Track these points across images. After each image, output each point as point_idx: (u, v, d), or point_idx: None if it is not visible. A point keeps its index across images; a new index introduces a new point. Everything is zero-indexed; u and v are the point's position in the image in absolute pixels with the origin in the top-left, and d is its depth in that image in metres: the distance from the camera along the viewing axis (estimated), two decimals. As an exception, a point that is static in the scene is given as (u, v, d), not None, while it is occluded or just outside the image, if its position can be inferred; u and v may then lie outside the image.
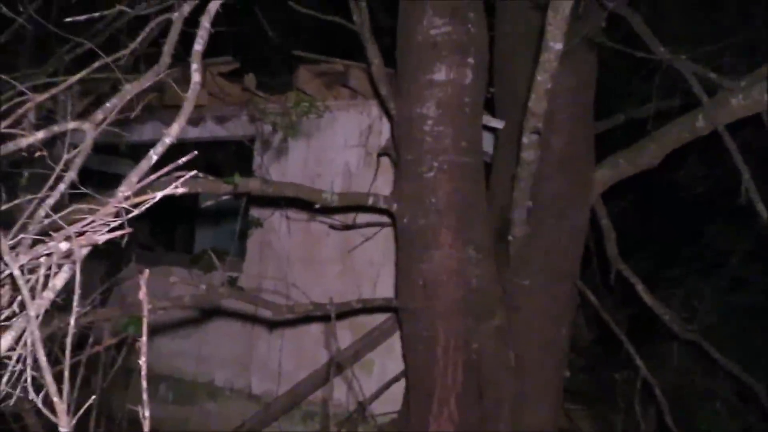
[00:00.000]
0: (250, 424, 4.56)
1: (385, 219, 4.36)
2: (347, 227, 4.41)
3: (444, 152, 3.60)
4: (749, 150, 3.70)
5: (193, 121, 5.48)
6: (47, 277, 1.25)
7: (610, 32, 3.98)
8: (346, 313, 4.18)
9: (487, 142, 4.98)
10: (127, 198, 1.42)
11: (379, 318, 4.53)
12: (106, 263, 5.77)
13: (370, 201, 3.68)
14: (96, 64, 1.92)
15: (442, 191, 3.60)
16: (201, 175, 3.15)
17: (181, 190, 1.42)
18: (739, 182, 3.73)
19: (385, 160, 4.58)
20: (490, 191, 4.26)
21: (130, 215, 1.39)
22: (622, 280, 4.45)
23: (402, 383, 4.23)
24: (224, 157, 6.85)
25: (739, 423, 4.70)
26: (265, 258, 5.09)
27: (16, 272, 1.20)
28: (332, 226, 4.54)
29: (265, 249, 5.12)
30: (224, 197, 3.26)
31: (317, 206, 3.43)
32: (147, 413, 1.27)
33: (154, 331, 5.39)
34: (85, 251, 1.31)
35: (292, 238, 4.99)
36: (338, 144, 4.88)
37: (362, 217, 4.48)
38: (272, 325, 4.92)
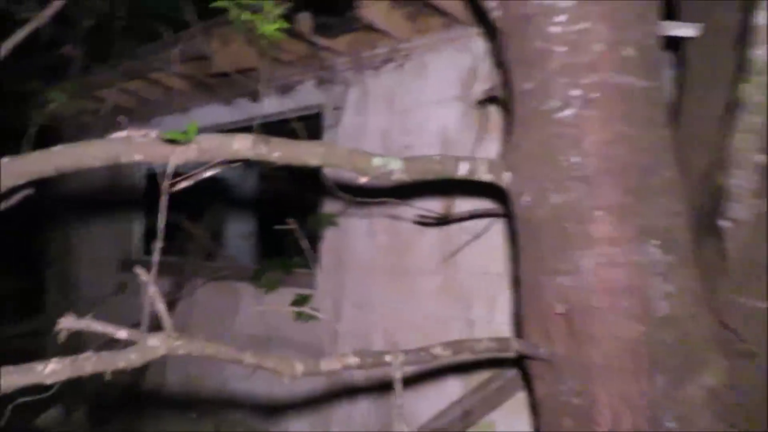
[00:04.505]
0: None
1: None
2: (443, 220, 2.87)
3: (592, 69, 1.95)
4: None
5: (251, 94, 4.26)
6: None
7: None
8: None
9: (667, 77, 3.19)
10: None
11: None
12: (169, 280, 4.78)
13: (463, 170, 2.12)
14: None
15: (590, 141, 1.95)
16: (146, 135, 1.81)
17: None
18: None
19: (497, 114, 2.99)
20: (680, 146, 2.51)
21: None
22: None
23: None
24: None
25: None
26: (341, 269, 3.69)
27: None
28: (421, 222, 3.02)
29: (342, 256, 3.71)
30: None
31: (363, 181, 1.95)
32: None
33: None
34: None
35: (374, 241, 3.54)
36: (429, 100, 3.35)
37: (467, 204, 2.93)
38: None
